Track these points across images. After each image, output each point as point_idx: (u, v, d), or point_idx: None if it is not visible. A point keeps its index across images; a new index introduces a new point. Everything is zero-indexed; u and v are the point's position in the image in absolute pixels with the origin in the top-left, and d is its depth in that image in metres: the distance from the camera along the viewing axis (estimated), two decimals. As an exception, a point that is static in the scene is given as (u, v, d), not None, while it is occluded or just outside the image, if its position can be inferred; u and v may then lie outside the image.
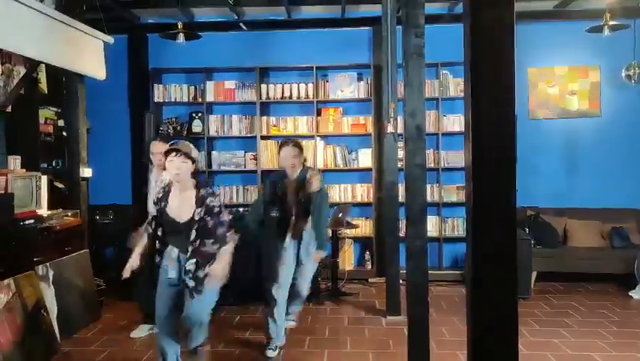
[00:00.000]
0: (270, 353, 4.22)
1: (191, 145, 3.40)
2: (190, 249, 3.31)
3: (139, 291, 4.60)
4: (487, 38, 1.66)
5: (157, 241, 3.43)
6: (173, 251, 3.40)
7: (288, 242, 4.29)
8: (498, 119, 1.67)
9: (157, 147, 4.49)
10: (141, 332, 4.69)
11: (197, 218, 3.30)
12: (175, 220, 3.35)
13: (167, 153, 3.32)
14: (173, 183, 3.38)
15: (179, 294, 3.40)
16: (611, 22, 5.72)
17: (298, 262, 4.38)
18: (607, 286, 6.21)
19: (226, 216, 3.42)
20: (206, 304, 3.44)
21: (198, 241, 3.31)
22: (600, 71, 6.84)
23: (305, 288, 4.53)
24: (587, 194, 6.73)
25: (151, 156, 4.62)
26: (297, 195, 4.28)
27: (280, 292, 4.25)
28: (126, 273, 3.43)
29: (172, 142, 3.42)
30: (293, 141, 4.41)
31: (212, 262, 3.35)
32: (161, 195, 3.43)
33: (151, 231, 3.45)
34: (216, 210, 3.34)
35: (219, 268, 3.34)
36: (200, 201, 3.32)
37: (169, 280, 3.39)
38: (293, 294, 4.46)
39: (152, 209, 3.73)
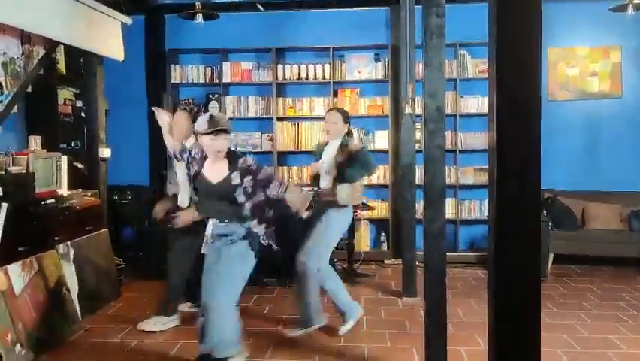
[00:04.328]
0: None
1: (226, 116, 3.52)
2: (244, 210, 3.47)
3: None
4: (514, 18, 1.64)
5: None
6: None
7: None
8: (523, 100, 1.66)
9: (182, 118, 4.53)
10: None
11: (234, 183, 3.40)
12: (208, 181, 3.48)
13: (208, 133, 3.36)
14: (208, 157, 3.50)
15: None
16: (636, 1, 5.57)
17: None
18: (625, 270, 6.16)
19: (269, 170, 3.57)
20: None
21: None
22: (622, 51, 6.71)
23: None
24: (607, 177, 6.64)
25: (171, 128, 4.55)
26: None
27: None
28: None
29: (210, 116, 3.44)
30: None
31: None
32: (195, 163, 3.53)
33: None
34: (253, 167, 3.44)
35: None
36: (234, 167, 3.43)
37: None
38: None
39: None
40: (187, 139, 4.45)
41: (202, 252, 3.57)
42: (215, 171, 3.47)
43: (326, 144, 4.47)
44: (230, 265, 3.43)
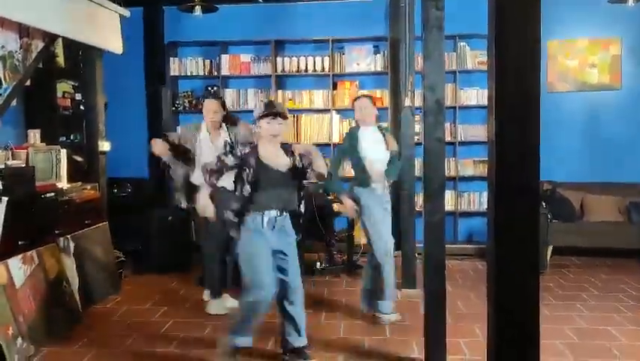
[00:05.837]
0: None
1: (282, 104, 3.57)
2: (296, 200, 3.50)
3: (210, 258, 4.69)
4: (513, 9, 1.64)
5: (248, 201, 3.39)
6: (270, 209, 3.43)
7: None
8: (522, 92, 1.66)
9: (212, 106, 4.60)
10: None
11: (298, 167, 3.45)
12: (276, 170, 3.42)
13: (265, 116, 3.38)
14: (263, 141, 3.45)
15: (275, 257, 3.48)
16: (635, -7, 5.56)
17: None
18: (624, 261, 6.17)
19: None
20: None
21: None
22: (622, 43, 6.69)
23: None
24: (606, 168, 6.64)
25: (176, 148, 4.59)
26: None
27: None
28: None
29: (268, 100, 3.57)
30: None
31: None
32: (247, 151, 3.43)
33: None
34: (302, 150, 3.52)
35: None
36: (287, 152, 3.48)
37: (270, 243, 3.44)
38: None
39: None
40: (219, 129, 4.60)
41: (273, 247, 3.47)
42: (280, 158, 3.45)
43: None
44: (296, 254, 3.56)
